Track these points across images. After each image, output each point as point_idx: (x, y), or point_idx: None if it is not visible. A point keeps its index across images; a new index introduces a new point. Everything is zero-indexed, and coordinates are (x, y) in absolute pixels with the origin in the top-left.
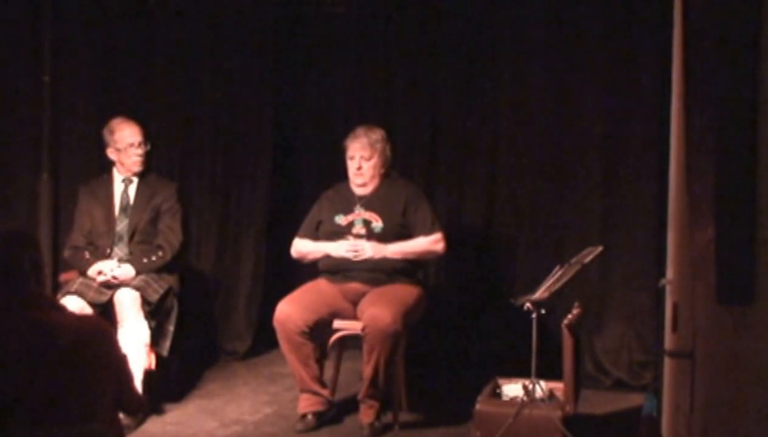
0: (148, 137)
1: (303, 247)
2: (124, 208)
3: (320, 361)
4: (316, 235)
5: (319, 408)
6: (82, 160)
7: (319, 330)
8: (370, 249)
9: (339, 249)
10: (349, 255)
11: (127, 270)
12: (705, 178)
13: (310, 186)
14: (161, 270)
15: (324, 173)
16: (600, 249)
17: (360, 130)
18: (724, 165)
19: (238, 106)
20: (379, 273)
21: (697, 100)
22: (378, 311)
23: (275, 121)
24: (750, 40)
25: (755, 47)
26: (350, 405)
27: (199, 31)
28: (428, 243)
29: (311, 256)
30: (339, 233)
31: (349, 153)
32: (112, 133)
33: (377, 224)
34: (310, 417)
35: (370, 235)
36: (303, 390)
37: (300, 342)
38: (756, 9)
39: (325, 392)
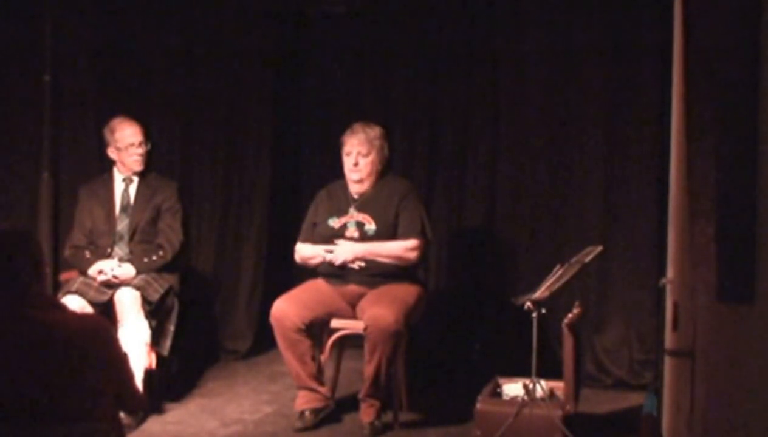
0: (148, 137)
1: (305, 252)
2: (125, 208)
3: (317, 358)
4: (314, 238)
5: (317, 404)
6: (82, 160)
7: (316, 329)
8: (342, 255)
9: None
10: (328, 258)
11: (127, 270)
12: (705, 178)
13: (310, 185)
14: (162, 269)
15: (324, 173)
16: (600, 248)
17: (358, 126)
18: (724, 164)
19: (239, 106)
20: (377, 275)
21: (697, 99)
22: (380, 311)
23: (275, 120)
24: (750, 39)
25: (755, 47)
26: (350, 404)
27: (199, 30)
28: (401, 248)
29: (313, 261)
30: (332, 236)
31: (346, 148)
32: (112, 132)
33: (370, 226)
34: (307, 413)
35: (364, 238)
36: (300, 387)
37: (296, 339)
38: (756, 9)
39: (323, 389)
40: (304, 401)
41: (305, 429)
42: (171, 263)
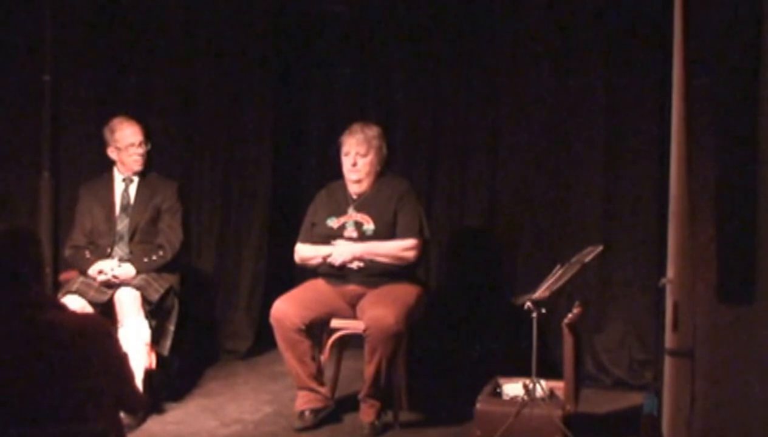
0: (148, 137)
1: (305, 253)
2: (125, 208)
3: (317, 359)
4: (314, 238)
5: (317, 405)
6: (82, 159)
7: (316, 329)
8: (341, 256)
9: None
10: (329, 259)
11: (127, 270)
12: (706, 178)
13: (311, 185)
14: (162, 269)
15: (325, 172)
16: (600, 248)
17: (356, 126)
18: (724, 165)
19: (239, 106)
20: (377, 275)
21: (697, 99)
22: (380, 312)
23: (276, 120)
24: (750, 39)
25: (755, 46)
26: (350, 404)
27: (199, 30)
28: (398, 248)
29: (312, 261)
30: (331, 236)
31: (345, 149)
32: (112, 132)
33: (369, 226)
34: (307, 413)
35: (362, 237)
36: (300, 388)
37: (296, 340)
38: (756, 9)
39: (323, 390)
40: (304, 401)
41: (305, 429)
42: (171, 263)
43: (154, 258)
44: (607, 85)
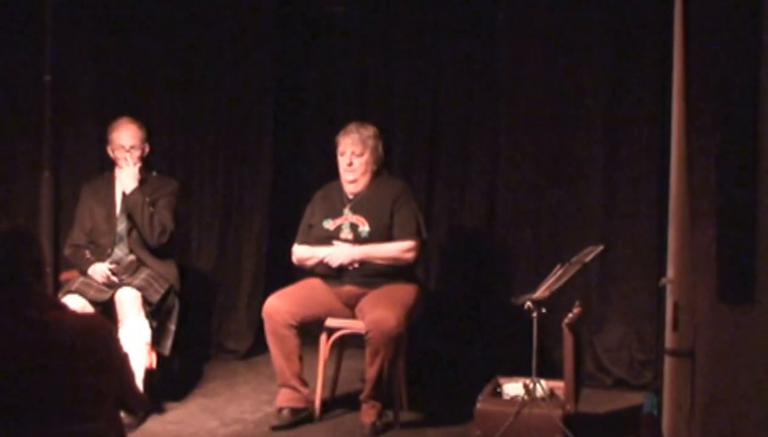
0: (146, 140)
1: (302, 254)
2: (125, 208)
3: (302, 358)
4: (310, 240)
5: (297, 404)
6: (82, 159)
7: (309, 328)
8: (338, 258)
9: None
10: (326, 260)
11: (130, 182)
12: (706, 178)
13: (311, 185)
14: (155, 252)
15: (325, 172)
16: (601, 248)
17: (352, 126)
18: (725, 165)
19: (239, 105)
20: (374, 276)
21: (697, 99)
22: (381, 314)
23: (276, 120)
24: (750, 39)
25: (755, 46)
26: (351, 404)
27: (199, 30)
28: (397, 250)
29: (309, 263)
30: (327, 237)
31: (341, 148)
32: (111, 131)
33: (364, 228)
34: (286, 412)
35: (357, 239)
36: (282, 385)
37: (285, 335)
38: (756, 9)
39: (305, 390)
40: (285, 399)
41: (281, 427)
42: (163, 244)
43: (152, 209)
44: (608, 85)
